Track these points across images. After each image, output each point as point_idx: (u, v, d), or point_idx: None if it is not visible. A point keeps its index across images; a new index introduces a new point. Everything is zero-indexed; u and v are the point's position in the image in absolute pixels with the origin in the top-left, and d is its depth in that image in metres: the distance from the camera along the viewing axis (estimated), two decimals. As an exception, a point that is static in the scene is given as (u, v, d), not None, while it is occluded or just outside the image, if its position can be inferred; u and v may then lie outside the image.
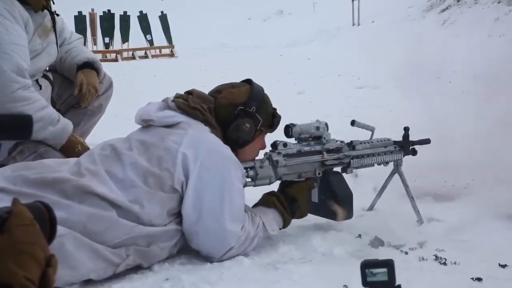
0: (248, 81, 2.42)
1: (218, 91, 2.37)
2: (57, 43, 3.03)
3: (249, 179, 2.34)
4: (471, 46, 8.98)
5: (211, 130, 2.26)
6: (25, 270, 0.94)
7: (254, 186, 2.36)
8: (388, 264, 1.45)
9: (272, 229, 2.30)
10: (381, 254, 2.23)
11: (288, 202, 2.37)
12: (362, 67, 8.12)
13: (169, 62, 11.84)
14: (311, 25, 13.82)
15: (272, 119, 2.41)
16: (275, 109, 2.43)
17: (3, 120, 1.01)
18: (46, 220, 1.06)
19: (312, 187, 2.47)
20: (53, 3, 3.03)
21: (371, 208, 2.77)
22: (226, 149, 2.23)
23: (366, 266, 1.45)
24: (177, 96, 2.34)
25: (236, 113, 2.31)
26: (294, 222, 2.48)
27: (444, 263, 2.17)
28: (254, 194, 2.43)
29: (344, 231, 2.45)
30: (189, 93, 2.35)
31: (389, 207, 2.78)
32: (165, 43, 13.63)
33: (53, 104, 3.02)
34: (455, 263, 2.17)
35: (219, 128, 2.29)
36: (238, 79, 2.51)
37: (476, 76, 6.73)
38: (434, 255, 2.23)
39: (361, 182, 2.95)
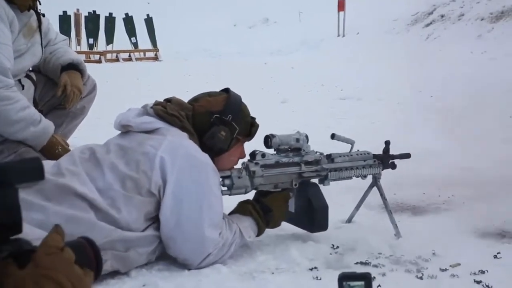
0: (226, 90, 2.44)
1: (195, 99, 2.40)
2: (42, 44, 3.02)
3: (225, 188, 2.35)
4: (453, 61, 9.08)
5: (189, 136, 2.27)
6: None
7: (229, 195, 2.38)
8: (365, 277, 1.47)
9: (248, 236, 2.32)
10: (358, 267, 2.24)
11: (263, 211, 2.38)
12: (345, 78, 8.18)
13: (153, 66, 11.83)
14: (296, 35, 13.89)
15: (249, 128, 2.42)
16: (253, 118, 2.45)
17: None
18: (91, 256, 1.03)
19: (288, 198, 2.48)
20: (40, 3, 3.02)
21: (349, 220, 2.78)
22: (204, 156, 2.24)
23: (344, 278, 1.46)
24: (156, 103, 2.35)
25: (212, 121, 2.32)
26: (272, 231, 2.49)
27: (421, 278, 2.18)
28: (230, 202, 2.43)
29: (322, 243, 2.47)
30: (168, 100, 2.37)
31: (367, 220, 2.79)
32: (150, 47, 13.61)
33: (35, 104, 3.00)
34: (431, 277, 2.19)
35: (196, 135, 2.30)
36: (221, 85, 2.52)
37: (457, 91, 6.81)
38: (411, 269, 2.25)
39: (340, 194, 2.96)
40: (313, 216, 2.50)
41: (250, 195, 2.47)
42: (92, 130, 4.13)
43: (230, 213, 2.40)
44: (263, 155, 2.44)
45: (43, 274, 0.91)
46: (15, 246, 0.94)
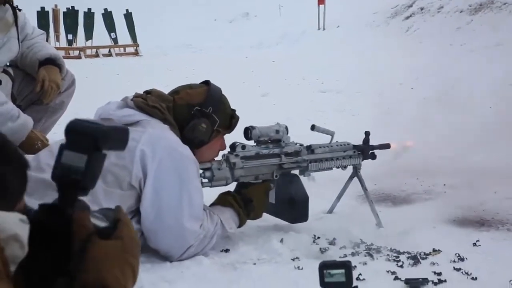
0: (207, 83, 2.43)
1: (175, 91, 2.39)
2: (18, 39, 2.98)
3: (205, 180, 2.35)
4: (433, 53, 9.13)
5: (171, 128, 2.26)
6: (126, 280, 0.97)
7: (210, 187, 2.38)
8: (346, 266, 1.47)
9: (230, 227, 2.32)
10: (339, 256, 2.26)
11: (244, 202, 2.38)
12: (326, 71, 8.19)
13: (133, 61, 11.75)
14: (277, 28, 13.87)
15: (230, 120, 2.42)
16: (233, 110, 2.45)
17: None
18: None
19: (269, 189, 2.49)
20: (16, -2, 2.98)
21: (330, 211, 2.80)
22: (185, 148, 2.24)
23: (324, 267, 1.47)
24: (136, 96, 2.34)
25: (193, 114, 2.32)
26: (254, 223, 2.50)
27: (401, 266, 2.20)
28: (211, 193, 2.43)
29: (304, 233, 2.48)
30: (148, 92, 2.36)
31: (348, 210, 2.81)
32: (130, 42, 13.53)
33: (14, 100, 2.98)
34: (412, 265, 2.21)
35: (177, 127, 2.29)
36: (202, 80, 2.51)
37: (437, 83, 6.85)
38: (391, 258, 2.27)
39: (321, 185, 2.97)
40: (293, 207, 2.52)
41: (231, 187, 2.47)
42: (72, 125, 4.10)
43: (211, 205, 2.40)
44: (243, 146, 2.44)
45: (127, 260, 0.98)
46: (80, 206, 0.99)
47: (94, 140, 0.93)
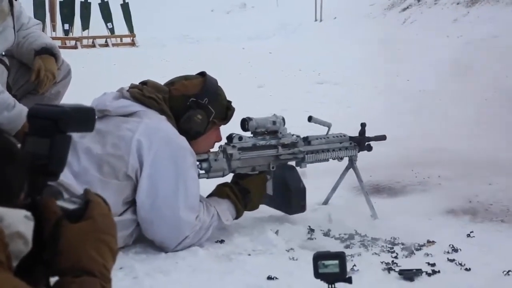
0: (202, 74, 2.43)
1: (171, 82, 2.40)
2: (14, 28, 2.97)
3: (202, 171, 2.35)
4: (430, 46, 9.13)
5: (167, 119, 2.26)
6: (104, 259, 0.97)
7: (207, 178, 2.39)
8: (340, 256, 1.49)
9: (226, 219, 2.33)
10: (334, 247, 2.27)
11: (241, 194, 2.39)
12: (323, 62, 8.18)
13: (130, 51, 11.72)
14: (274, 19, 13.84)
15: (226, 111, 2.42)
16: (229, 102, 2.45)
17: None
18: None
19: (266, 180, 2.49)
20: (11, -13, 2.97)
21: (325, 202, 2.80)
22: (182, 139, 2.24)
23: (319, 258, 1.48)
24: (132, 86, 2.35)
25: (188, 105, 2.32)
26: (250, 214, 2.50)
27: (396, 257, 2.22)
28: (208, 185, 2.44)
29: (298, 224, 2.49)
30: (143, 83, 2.37)
31: (343, 201, 2.82)
32: (126, 32, 13.49)
33: (9, 89, 2.97)
34: (406, 256, 2.22)
35: (173, 117, 2.30)
36: (199, 71, 2.51)
37: (433, 75, 6.86)
38: (386, 249, 2.28)
39: (317, 177, 2.98)
40: (290, 198, 2.52)
41: (228, 178, 2.47)
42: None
43: (208, 196, 2.41)
44: (240, 138, 2.44)
45: (101, 238, 0.97)
46: (50, 192, 0.97)
47: (55, 123, 0.90)
